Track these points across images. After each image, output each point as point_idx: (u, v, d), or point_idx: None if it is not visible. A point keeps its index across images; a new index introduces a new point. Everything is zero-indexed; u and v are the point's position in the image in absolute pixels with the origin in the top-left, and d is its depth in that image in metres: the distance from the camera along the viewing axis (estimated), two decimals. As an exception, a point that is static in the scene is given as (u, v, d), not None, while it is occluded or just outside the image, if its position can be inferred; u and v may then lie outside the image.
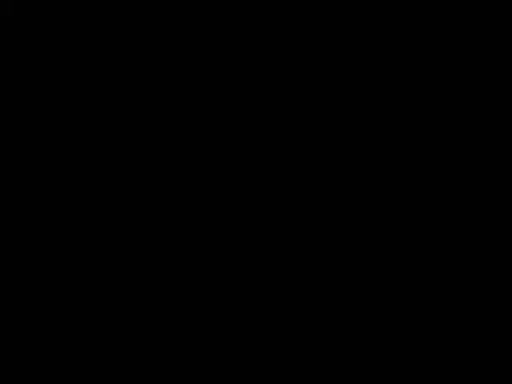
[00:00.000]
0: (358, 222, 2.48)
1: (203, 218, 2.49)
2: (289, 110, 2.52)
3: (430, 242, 2.46)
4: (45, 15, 2.53)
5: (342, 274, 2.47)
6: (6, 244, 2.48)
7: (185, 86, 2.53)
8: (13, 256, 2.47)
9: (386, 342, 2.43)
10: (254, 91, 2.52)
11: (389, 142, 2.50)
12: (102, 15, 2.53)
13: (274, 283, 2.47)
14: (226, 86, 2.53)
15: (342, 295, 2.46)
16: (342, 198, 2.49)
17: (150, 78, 2.53)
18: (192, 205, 2.50)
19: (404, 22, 2.51)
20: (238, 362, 2.45)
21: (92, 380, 2.44)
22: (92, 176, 2.50)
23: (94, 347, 2.45)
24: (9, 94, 2.52)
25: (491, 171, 2.48)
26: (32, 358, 2.45)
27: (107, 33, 2.52)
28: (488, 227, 2.46)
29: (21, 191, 2.50)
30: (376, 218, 2.48)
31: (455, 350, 2.42)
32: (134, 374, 2.44)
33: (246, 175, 2.50)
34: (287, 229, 2.48)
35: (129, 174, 2.50)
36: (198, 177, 2.50)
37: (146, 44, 2.53)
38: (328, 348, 2.44)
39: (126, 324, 2.46)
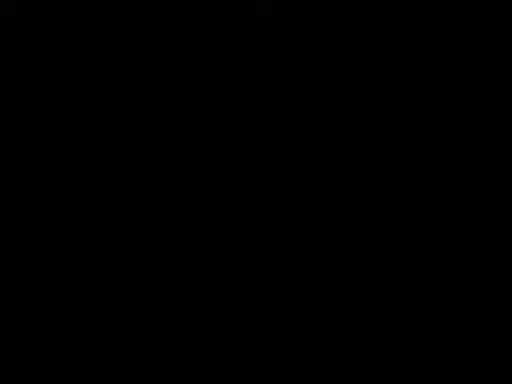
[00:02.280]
0: (358, 221, 2.48)
1: (203, 217, 2.50)
2: (288, 110, 2.52)
3: (430, 242, 2.47)
4: (45, 15, 2.53)
5: (342, 273, 2.47)
6: (6, 244, 2.48)
7: (184, 86, 2.53)
8: (13, 256, 2.48)
9: (386, 342, 2.44)
10: (254, 91, 2.52)
11: (388, 143, 2.50)
12: (101, 15, 2.53)
13: (274, 283, 2.48)
14: (225, 86, 2.53)
15: (341, 295, 2.46)
16: (342, 198, 2.49)
17: (150, 78, 2.53)
18: (191, 205, 2.50)
19: (404, 22, 2.52)
20: (238, 362, 2.45)
21: (92, 380, 2.44)
22: (91, 176, 2.51)
23: (93, 347, 2.45)
24: (9, 93, 2.52)
25: (491, 171, 2.48)
26: (32, 357, 2.45)
27: (107, 33, 2.53)
28: (488, 227, 2.47)
29: (21, 191, 2.50)
30: (376, 218, 2.48)
31: (455, 350, 2.43)
32: (134, 374, 2.45)
33: (246, 175, 2.50)
34: (287, 228, 2.49)
35: (128, 174, 2.51)
36: (197, 177, 2.51)
37: (146, 44, 2.53)
38: (328, 348, 2.44)
39: (126, 324, 2.47)
